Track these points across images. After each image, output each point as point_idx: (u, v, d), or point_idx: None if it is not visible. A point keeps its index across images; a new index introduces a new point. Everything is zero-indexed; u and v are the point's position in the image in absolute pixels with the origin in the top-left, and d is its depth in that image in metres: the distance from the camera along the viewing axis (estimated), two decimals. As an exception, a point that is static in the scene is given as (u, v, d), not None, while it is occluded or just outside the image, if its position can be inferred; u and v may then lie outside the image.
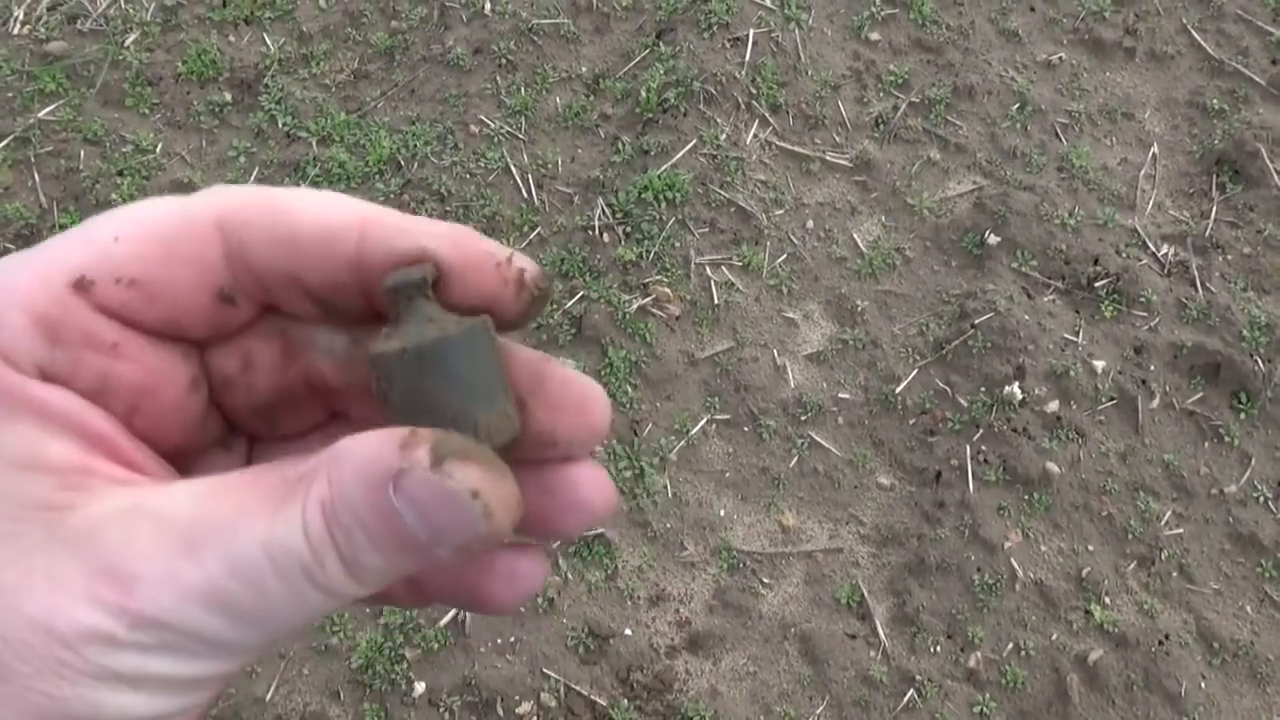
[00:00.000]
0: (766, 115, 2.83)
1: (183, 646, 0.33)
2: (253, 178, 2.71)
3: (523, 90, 2.88)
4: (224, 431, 0.43)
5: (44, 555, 0.33)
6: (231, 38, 2.97)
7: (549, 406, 0.40)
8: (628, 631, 2.19)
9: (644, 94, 2.81)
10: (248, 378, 0.42)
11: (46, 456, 0.34)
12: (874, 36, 2.99)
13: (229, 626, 0.33)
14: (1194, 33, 3.03)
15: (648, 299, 2.54)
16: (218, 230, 0.37)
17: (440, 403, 0.36)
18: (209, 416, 0.42)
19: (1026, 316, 2.53)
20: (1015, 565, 2.28)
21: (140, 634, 0.32)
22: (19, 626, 0.32)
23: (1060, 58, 3.00)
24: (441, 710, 2.09)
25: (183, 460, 0.41)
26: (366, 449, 0.33)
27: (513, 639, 2.16)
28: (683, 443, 2.40)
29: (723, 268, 2.62)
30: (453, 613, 2.17)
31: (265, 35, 2.97)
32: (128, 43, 2.91)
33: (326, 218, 0.38)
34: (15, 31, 2.90)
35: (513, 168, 2.75)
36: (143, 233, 0.37)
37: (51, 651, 0.32)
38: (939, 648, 2.21)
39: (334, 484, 0.33)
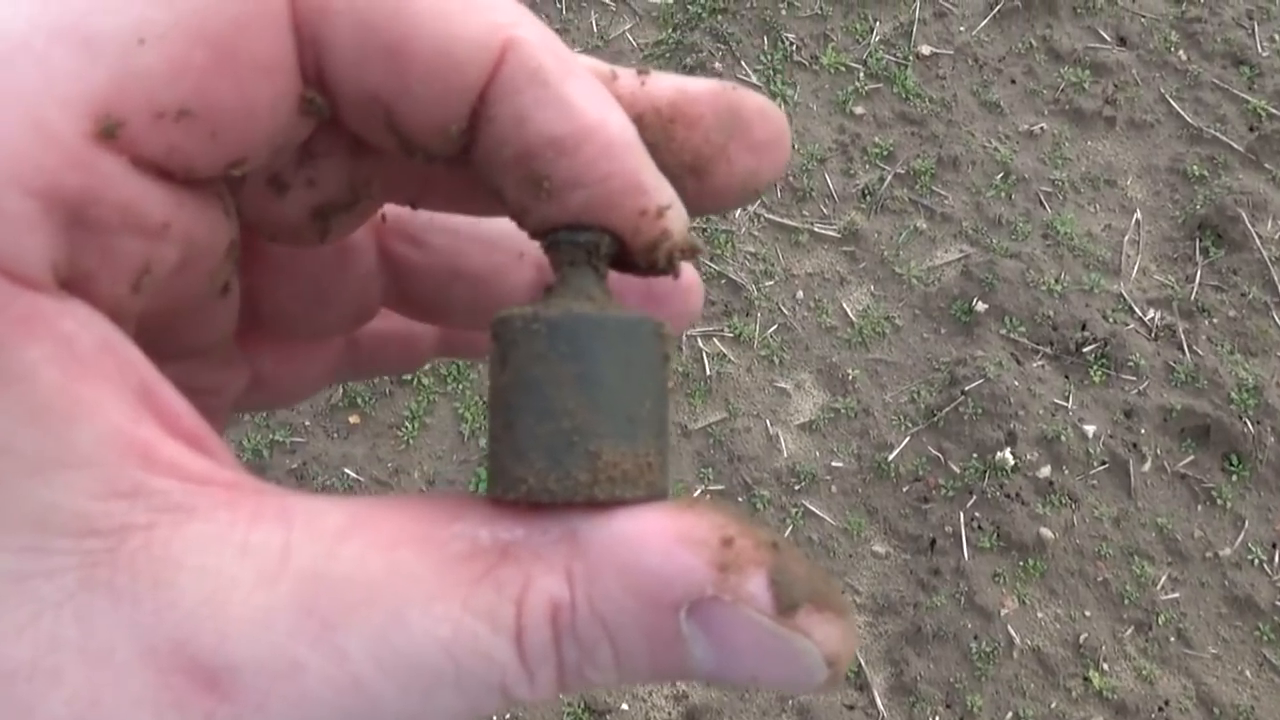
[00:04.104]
0: (755, 189, 2.88)
1: None
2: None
3: (515, 168, 2.94)
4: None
5: (79, 613, 0.21)
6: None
7: (751, 145, 0.29)
8: (625, 706, 2.18)
9: (634, 170, 2.86)
10: (308, 175, 0.28)
11: (78, 442, 0.21)
12: (859, 110, 3.06)
13: None
14: (1172, 101, 3.10)
15: (640, 371, 2.56)
16: (289, 9, 0.24)
17: (558, 406, 0.25)
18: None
19: (1016, 382, 2.55)
20: (1012, 632, 2.27)
21: None
22: None
23: (1042, 128, 3.06)
24: (437, 790, 2.07)
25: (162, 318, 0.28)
26: (653, 554, 0.23)
27: (509, 715, 2.15)
28: (677, 514, 2.40)
29: (714, 339, 2.64)
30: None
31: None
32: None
33: (454, 26, 0.24)
34: None
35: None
36: (183, 25, 0.23)
37: None
38: (938, 718, 2.19)
39: (583, 585, 0.23)
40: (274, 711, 0.21)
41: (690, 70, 3.02)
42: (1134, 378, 2.60)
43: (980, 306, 2.68)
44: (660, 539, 0.23)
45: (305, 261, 0.33)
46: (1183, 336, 2.67)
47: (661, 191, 0.26)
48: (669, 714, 2.18)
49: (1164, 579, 2.36)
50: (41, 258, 0.21)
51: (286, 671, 0.21)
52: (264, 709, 0.21)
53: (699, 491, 2.44)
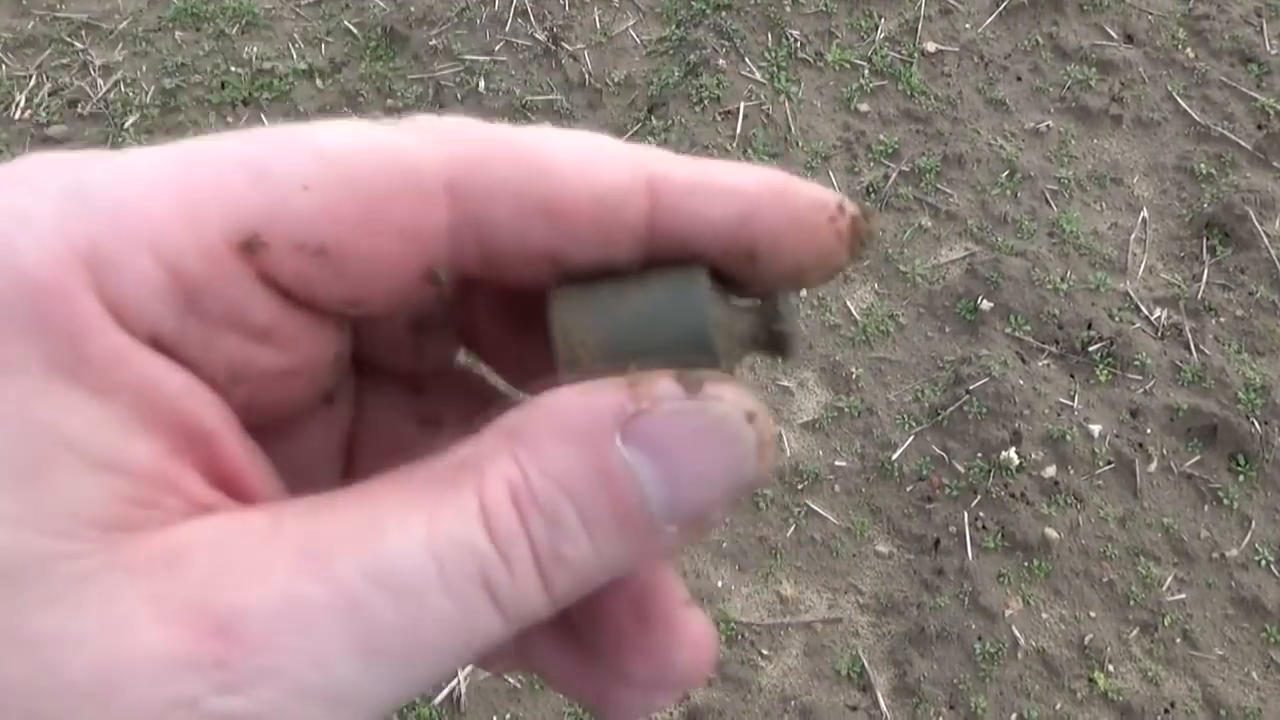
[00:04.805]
0: (758, 186, 2.86)
1: (293, 711, 0.23)
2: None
3: (517, 165, 2.92)
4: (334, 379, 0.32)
5: (100, 588, 0.23)
6: (230, 118, 3.02)
7: (652, 648, 0.32)
8: (625, 707, 2.16)
9: (637, 167, 2.84)
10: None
11: (126, 455, 0.24)
12: (863, 108, 3.04)
13: (364, 669, 0.24)
14: (1179, 99, 3.08)
15: (642, 369, 2.54)
16: (447, 193, 0.27)
17: (613, 305, 0.29)
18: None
19: (1021, 381, 2.53)
20: (1016, 633, 2.25)
21: (240, 697, 0.23)
22: (62, 693, 0.22)
23: (1048, 125, 3.04)
24: (436, 790, 2.06)
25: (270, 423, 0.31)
26: (573, 405, 0.26)
27: (509, 716, 2.13)
28: (679, 513, 2.39)
29: (717, 337, 2.63)
30: (448, 689, 2.15)
31: (262, 115, 3.02)
32: (127, 124, 2.96)
33: (601, 179, 0.28)
34: (17, 116, 2.95)
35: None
36: (344, 182, 0.26)
37: None
38: (941, 719, 2.17)
39: (529, 460, 0.25)
40: (281, 645, 0.23)
41: (693, 66, 3.00)
42: (1140, 377, 2.58)
43: (985, 305, 2.66)
44: (575, 393, 0.26)
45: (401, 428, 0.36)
46: (1189, 335, 2.65)
47: (825, 191, 0.30)
48: (670, 714, 2.16)
49: (1170, 580, 2.34)
50: (148, 314, 0.25)
51: (289, 607, 0.23)
52: (270, 644, 0.23)
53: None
